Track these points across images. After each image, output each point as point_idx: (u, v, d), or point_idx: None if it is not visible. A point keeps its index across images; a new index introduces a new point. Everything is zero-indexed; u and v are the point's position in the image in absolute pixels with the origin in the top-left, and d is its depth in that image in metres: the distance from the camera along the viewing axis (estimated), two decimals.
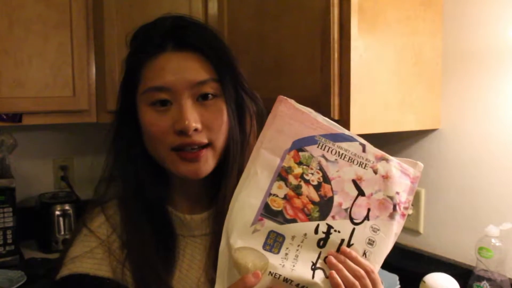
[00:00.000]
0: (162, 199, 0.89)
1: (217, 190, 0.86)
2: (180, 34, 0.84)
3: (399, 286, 1.54)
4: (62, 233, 2.11)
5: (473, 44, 1.47)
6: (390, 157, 0.76)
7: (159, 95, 0.82)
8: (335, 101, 1.36)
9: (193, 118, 0.80)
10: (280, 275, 0.68)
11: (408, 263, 1.63)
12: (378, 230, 0.73)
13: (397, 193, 0.74)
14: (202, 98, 0.83)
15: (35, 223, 2.16)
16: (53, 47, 1.93)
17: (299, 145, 0.73)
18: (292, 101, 0.75)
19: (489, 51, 1.43)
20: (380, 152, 0.76)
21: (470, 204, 1.50)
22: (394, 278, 1.56)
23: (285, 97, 0.75)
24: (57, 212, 2.11)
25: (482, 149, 1.46)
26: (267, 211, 0.70)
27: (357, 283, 0.70)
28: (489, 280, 1.35)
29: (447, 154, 1.56)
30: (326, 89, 1.37)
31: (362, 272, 0.71)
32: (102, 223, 0.87)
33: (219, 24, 1.85)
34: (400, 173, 0.76)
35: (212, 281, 0.83)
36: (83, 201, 2.17)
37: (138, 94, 0.85)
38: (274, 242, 0.70)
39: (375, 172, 0.74)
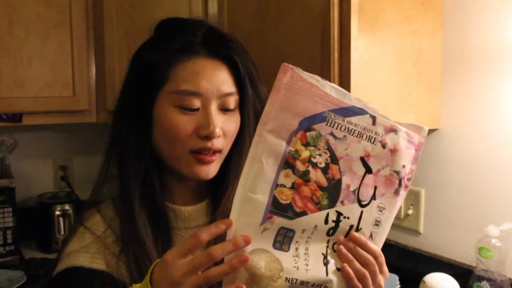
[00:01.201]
0: (161, 193, 0.90)
1: (212, 183, 0.91)
2: (214, 43, 0.87)
3: (399, 286, 1.54)
4: (62, 233, 2.11)
5: (473, 44, 1.47)
6: (398, 127, 0.73)
7: (191, 100, 0.84)
8: None
9: (218, 126, 0.85)
10: (296, 280, 0.68)
11: (408, 263, 1.63)
12: (384, 209, 0.73)
13: (403, 166, 0.73)
14: (224, 108, 0.87)
15: (35, 223, 2.16)
16: (53, 47, 1.93)
17: (307, 124, 0.69)
18: (299, 70, 0.69)
19: (489, 51, 1.43)
20: (389, 123, 0.73)
21: (470, 204, 1.50)
22: (394, 278, 1.56)
23: (290, 66, 0.69)
24: (57, 212, 2.11)
25: (482, 149, 1.46)
26: (275, 207, 0.67)
27: (367, 273, 0.71)
28: (489, 280, 1.35)
29: (447, 154, 1.56)
30: None
31: (372, 259, 0.72)
32: (98, 221, 0.89)
33: (219, 24, 1.85)
34: (407, 143, 0.73)
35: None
36: (83, 201, 2.17)
37: (162, 93, 0.86)
38: (284, 238, 0.68)
39: (384, 146, 0.72)
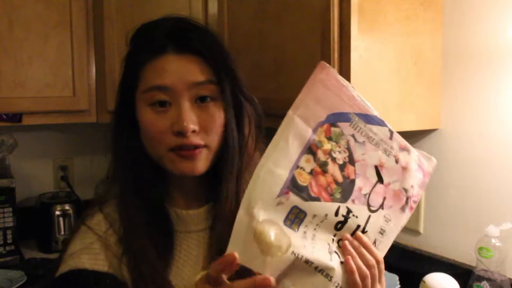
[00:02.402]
0: (160, 196, 0.90)
1: (213, 187, 0.88)
2: (181, 36, 0.85)
3: (399, 286, 1.54)
4: (62, 233, 2.11)
5: (473, 44, 1.47)
6: (412, 149, 0.76)
7: (159, 95, 0.83)
8: None
9: (191, 120, 0.82)
10: (302, 256, 0.68)
11: (408, 263, 1.63)
12: (390, 220, 0.74)
13: (412, 186, 0.75)
14: (200, 101, 0.85)
15: (35, 223, 2.16)
16: (53, 47, 1.93)
17: (333, 120, 0.72)
18: (334, 70, 0.73)
19: (489, 51, 1.43)
20: (404, 142, 0.76)
21: (470, 204, 1.50)
22: (394, 278, 1.56)
23: (327, 65, 0.73)
24: (57, 212, 2.11)
25: (482, 149, 1.46)
26: (293, 185, 0.69)
27: (368, 274, 0.72)
28: (489, 280, 1.34)
29: (447, 154, 1.56)
30: None
31: (374, 261, 0.72)
32: (100, 221, 0.88)
33: (219, 24, 1.85)
34: (417, 167, 0.76)
35: None
36: (83, 201, 2.17)
37: (137, 94, 0.86)
38: (295, 218, 0.69)
39: (397, 161, 0.75)
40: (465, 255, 1.50)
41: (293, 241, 0.68)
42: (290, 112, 0.72)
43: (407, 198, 0.75)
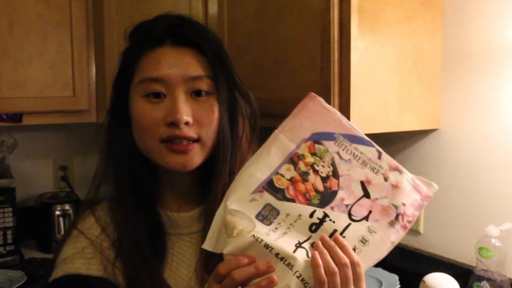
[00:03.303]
0: (151, 197, 0.89)
1: (206, 188, 0.87)
2: (179, 30, 0.85)
3: (399, 286, 1.54)
4: (62, 233, 2.10)
5: (473, 44, 1.47)
6: (404, 170, 0.76)
7: (154, 86, 0.83)
8: (335, 101, 1.36)
9: (185, 111, 0.82)
10: (262, 240, 0.68)
11: (408, 263, 1.63)
12: (374, 232, 0.72)
13: (403, 204, 0.74)
14: (195, 94, 0.84)
15: (35, 223, 2.16)
16: (53, 47, 1.93)
17: (317, 138, 0.75)
18: (321, 100, 0.77)
19: (489, 51, 1.43)
20: (395, 163, 0.76)
21: (470, 204, 1.50)
22: (394, 278, 1.56)
23: (315, 95, 0.77)
24: (57, 212, 2.12)
25: (482, 149, 1.46)
26: (269, 186, 0.72)
27: (337, 271, 0.67)
28: (489, 280, 1.34)
29: (447, 154, 1.56)
30: (326, 89, 1.37)
31: (347, 260, 0.68)
32: (92, 224, 0.87)
33: (219, 24, 1.85)
34: (411, 187, 0.75)
35: (203, 281, 0.83)
36: (82, 201, 2.17)
37: (132, 85, 0.86)
38: (268, 215, 0.71)
39: (386, 179, 0.74)
40: (465, 255, 1.50)
41: (257, 227, 0.69)
42: (276, 130, 0.76)
43: (398, 215, 0.73)
